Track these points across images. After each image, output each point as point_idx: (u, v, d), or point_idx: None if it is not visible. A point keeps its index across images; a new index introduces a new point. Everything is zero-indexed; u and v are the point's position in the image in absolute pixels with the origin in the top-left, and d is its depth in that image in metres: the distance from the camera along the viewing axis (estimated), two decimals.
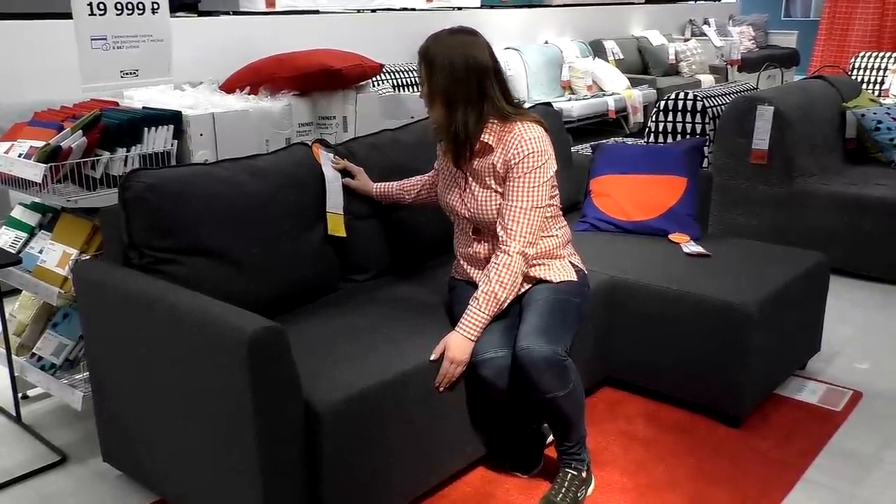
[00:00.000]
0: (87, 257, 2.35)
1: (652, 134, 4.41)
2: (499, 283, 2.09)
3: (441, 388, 2.04)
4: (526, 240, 2.11)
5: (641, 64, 8.12)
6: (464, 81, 2.08)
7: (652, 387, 2.67)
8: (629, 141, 4.64)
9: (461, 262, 2.35)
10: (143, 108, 2.52)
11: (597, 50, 7.60)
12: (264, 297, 2.25)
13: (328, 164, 2.45)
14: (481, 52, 2.10)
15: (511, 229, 2.11)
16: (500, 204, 2.15)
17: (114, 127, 2.33)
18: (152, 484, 2.17)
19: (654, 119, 4.41)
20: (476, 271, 2.28)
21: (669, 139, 4.34)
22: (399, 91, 5.21)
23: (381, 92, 4.27)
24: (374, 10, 5.84)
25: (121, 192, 2.05)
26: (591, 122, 6.71)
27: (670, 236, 2.97)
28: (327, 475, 1.84)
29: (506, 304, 2.13)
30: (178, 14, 4.69)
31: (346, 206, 2.47)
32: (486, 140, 2.14)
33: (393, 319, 2.26)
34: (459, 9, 6.47)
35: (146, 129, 2.37)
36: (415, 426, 2.02)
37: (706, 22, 9.37)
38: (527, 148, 2.10)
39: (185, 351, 1.85)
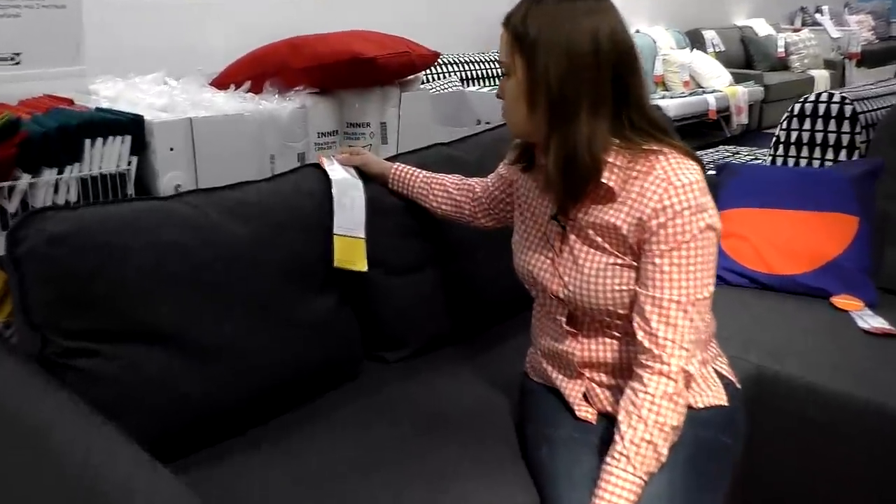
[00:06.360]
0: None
1: (781, 145, 3.49)
2: (657, 426, 1.23)
3: None
4: (688, 352, 1.27)
5: (745, 57, 7.27)
6: (591, 70, 1.24)
7: None
8: (767, 159, 3.71)
9: (540, 357, 1.54)
10: (97, 108, 1.80)
11: (694, 41, 6.80)
12: (242, 397, 1.51)
13: (334, 164, 1.71)
14: (618, 23, 1.28)
15: (662, 337, 1.26)
16: (624, 282, 1.32)
17: (38, 137, 1.61)
18: None
19: (784, 127, 3.49)
20: (563, 378, 1.47)
21: (804, 152, 3.42)
22: (465, 87, 4.37)
23: (442, 87, 3.48)
24: None
25: (9, 245, 1.32)
26: (688, 122, 5.86)
27: (833, 300, 2.11)
28: None
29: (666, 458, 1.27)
30: None
31: (377, 255, 1.71)
32: (605, 182, 1.31)
33: (434, 435, 1.49)
34: None
35: (88, 140, 1.65)
36: None
37: (818, 10, 8.34)
38: (681, 203, 1.25)
39: None
